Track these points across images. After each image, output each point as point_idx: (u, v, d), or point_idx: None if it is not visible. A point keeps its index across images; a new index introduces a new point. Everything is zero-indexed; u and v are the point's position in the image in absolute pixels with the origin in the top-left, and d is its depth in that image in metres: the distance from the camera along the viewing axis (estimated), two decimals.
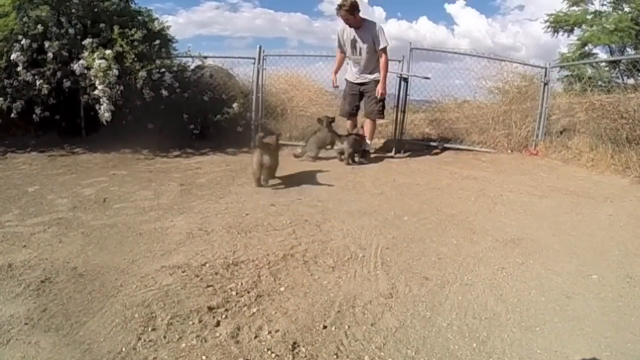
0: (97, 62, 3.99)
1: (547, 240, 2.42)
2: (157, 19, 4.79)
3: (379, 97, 4.27)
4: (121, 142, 4.54)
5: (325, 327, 1.50)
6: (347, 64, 4.51)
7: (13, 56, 4.06)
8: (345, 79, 4.53)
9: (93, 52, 4.08)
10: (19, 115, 4.21)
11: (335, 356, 1.36)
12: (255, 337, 1.43)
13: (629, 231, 2.62)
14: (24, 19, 4.15)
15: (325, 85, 5.56)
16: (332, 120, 4.44)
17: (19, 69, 4.10)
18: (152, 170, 3.83)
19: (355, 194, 3.21)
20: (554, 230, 2.60)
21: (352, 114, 4.55)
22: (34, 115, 4.30)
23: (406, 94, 5.02)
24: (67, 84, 4.25)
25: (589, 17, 10.61)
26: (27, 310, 1.55)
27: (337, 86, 4.66)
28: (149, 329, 1.46)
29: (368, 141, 4.46)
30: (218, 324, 1.50)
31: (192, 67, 5.18)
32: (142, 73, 4.24)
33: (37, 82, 4.11)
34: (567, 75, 8.36)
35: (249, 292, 1.71)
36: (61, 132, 4.75)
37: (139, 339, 1.41)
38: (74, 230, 2.34)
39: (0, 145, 4.39)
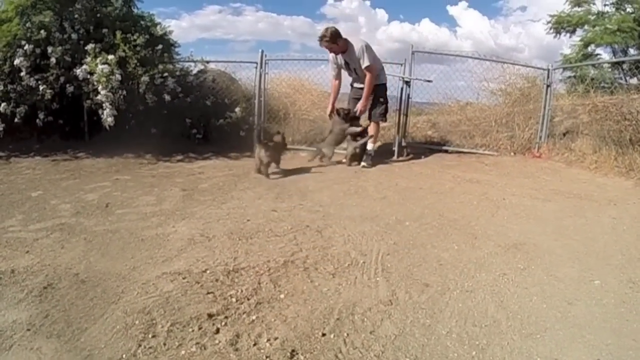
0: (100, 67, 4.03)
1: (549, 245, 2.40)
2: (159, 23, 4.84)
3: (357, 114, 4.33)
4: (124, 146, 4.57)
5: (324, 334, 1.50)
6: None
7: (16, 61, 4.12)
8: (350, 84, 4.57)
9: (96, 57, 4.12)
10: (22, 120, 4.26)
11: None
12: (254, 345, 1.43)
13: (633, 235, 2.60)
14: (27, 25, 4.21)
15: (328, 88, 5.56)
16: (348, 112, 4.38)
17: (23, 74, 4.15)
18: (154, 175, 3.85)
19: (358, 199, 3.21)
20: (557, 234, 2.58)
21: (356, 117, 4.55)
22: (37, 120, 4.35)
23: (408, 97, 5.02)
24: (70, 89, 4.29)
25: (591, 17, 10.56)
26: (29, 316, 1.56)
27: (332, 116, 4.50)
28: (149, 336, 1.46)
29: (371, 144, 4.46)
30: (217, 331, 1.50)
31: (194, 71, 5.22)
32: (145, 78, 4.27)
33: (41, 87, 4.17)
34: (569, 77, 8.32)
35: (248, 299, 1.71)
36: (64, 137, 4.80)
37: (139, 345, 1.41)
38: (77, 236, 2.36)
39: (4, 149, 4.44)
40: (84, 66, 4.13)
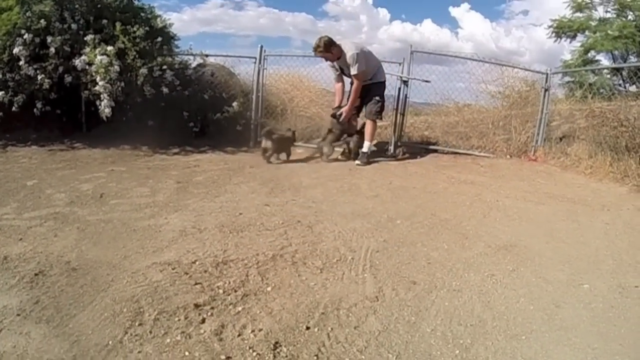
0: (99, 58, 4.03)
1: (540, 248, 2.40)
2: (159, 16, 4.83)
3: (342, 119, 4.39)
4: (121, 138, 4.58)
5: (308, 328, 1.51)
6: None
7: (15, 50, 4.11)
8: (350, 83, 4.58)
9: (95, 48, 4.12)
10: (20, 109, 4.24)
11: (315, 357, 1.37)
12: (239, 335, 1.45)
13: (625, 240, 2.60)
14: (27, 14, 4.19)
15: (327, 85, 5.58)
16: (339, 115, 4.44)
17: (21, 63, 4.14)
18: (150, 167, 3.86)
19: (350, 196, 3.23)
20: (548, 237, 2.58)
21: (354, 114, 4.60)
22: (35, 110, 4.34)
23: (406, 97, 5.03)
24: (68, 79, 4.28)
25: (592, 23, 10.58)
26: (19, 302, 1.58)
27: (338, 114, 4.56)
28: (136, 324, 1.48)
29: (367, 142, 4.48)
30: (203, 321, 1.51)
31: (193, 65, 5.21)
32: (143, 70, 4.27)
33: (39, 77, 4.15)
34: (569, 82, 8.34)
35: (235, 291, 1.72)
36: (61, 127, 4.79)
37: (126, 332, 1.43)
38: (70, 225, 2.37)
39: (1, 138, 4.44)
40: (83, 57, 4.13)
